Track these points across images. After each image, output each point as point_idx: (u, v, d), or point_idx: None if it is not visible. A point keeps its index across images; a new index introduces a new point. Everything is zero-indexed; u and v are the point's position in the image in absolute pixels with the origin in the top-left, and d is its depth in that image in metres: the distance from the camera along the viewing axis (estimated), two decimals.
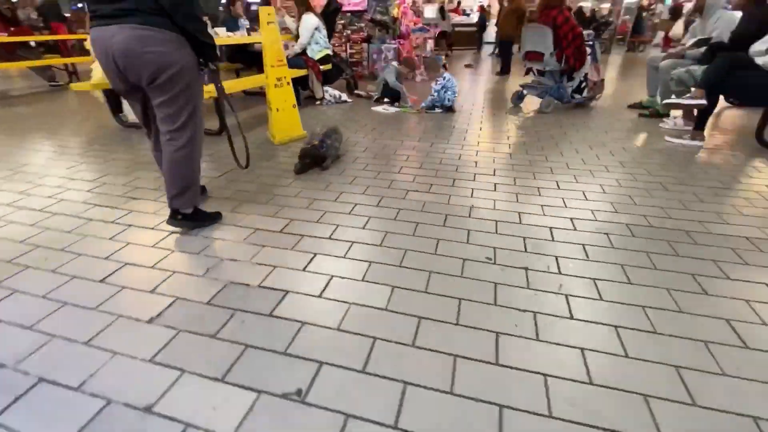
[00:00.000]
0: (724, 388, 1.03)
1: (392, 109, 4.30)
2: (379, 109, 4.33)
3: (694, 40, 3.58)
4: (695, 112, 3.19)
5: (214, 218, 1.89)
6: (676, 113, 3.61)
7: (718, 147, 3.06)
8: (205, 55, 1.61)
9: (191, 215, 1.79)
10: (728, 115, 4.23)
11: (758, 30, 2.91)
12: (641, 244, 1.72)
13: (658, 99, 3.80)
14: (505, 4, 7.83)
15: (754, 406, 0.98)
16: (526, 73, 4.50)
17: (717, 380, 1.05)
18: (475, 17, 13.76)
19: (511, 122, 3.88)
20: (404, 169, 2.60)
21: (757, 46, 2.84)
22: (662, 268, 1.55)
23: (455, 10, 14.28)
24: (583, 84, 4.15)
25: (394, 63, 4.71)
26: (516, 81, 6.26)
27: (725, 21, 3.42)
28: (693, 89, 3.03)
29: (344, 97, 4.74)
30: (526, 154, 2.92)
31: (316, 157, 2.46)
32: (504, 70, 7.33)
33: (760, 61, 2.79)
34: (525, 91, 4.42)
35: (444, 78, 4.13)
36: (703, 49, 3.38)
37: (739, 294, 1.41)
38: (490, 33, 12.39)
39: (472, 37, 12.95)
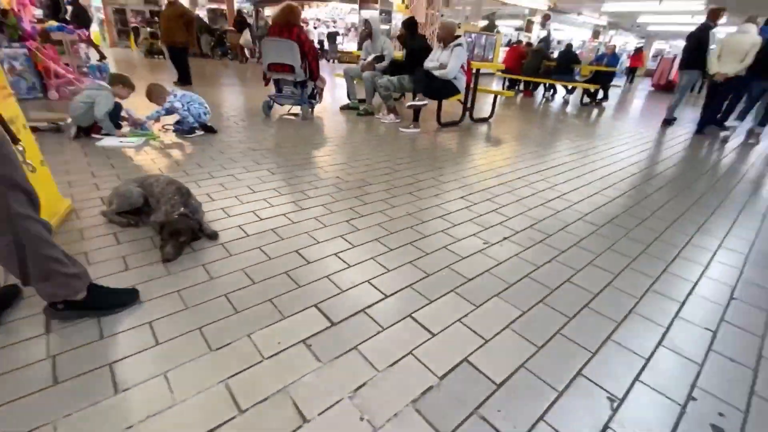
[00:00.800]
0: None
1: (131, 141, 3.12)
2: (113, 143, 3.06)
3: (372, 56, 5.06)
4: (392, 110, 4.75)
5: (124, 301, 1.30)
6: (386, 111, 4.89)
7: (428, 131, 4.43)
8: None
9: (82, 302, 1.21)
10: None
11: (420, 53, 4.53)
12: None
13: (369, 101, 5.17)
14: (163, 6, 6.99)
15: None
16: (266, 84, 4.69)
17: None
18: None
19: (297, 131, 3.69)
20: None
21: (428, 64, 4.33)
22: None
23: None
24: (315, 91, 4.68)
25: (101, 82, 3.28)
26: (209, 90, 6.04)
27: (389, 45, 5.11)
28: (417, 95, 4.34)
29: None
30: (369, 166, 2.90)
31: (193, 230, 1.68)
32: (185, 80, 6.46)
33: (436, 73, 4.23)
34: (273, 102, 4.61)
35: (175, 95, 3.45)
36: (385, 63, 4.97)
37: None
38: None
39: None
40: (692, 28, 5.61)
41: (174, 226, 1.60)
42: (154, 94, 3.45)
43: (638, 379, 1.15)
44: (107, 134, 3.19)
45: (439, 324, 1.33)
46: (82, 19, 9.66)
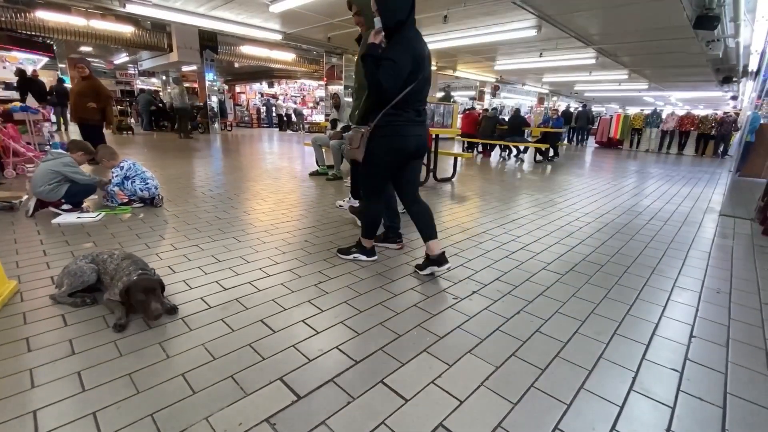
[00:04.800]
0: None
1: (91, 216, 3.01)
2: (69, 220, 2.91)
3: (342, 125, 5.35)
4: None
5: None
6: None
7: None
8: None
9: None
10: None
11: None
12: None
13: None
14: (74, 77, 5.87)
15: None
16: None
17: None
18: None
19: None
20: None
21: None
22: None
23: None
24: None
25: (59, 151, 3.20)
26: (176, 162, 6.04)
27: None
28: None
29: None
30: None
31: (162, 285, 1.67)
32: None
33: None
34: None
35: (122, 166, 3.37)
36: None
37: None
38: None
39: None
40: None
41: (144, 285, 1.55)
42: (101, 155, 3.41)
43: (615, 429, 1.13)
44: (68, 210, 3.09)
45: (412, 388, 1.28)
46: (64, 100, 10.20)
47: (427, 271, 2.18)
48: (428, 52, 1.95)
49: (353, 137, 2.07)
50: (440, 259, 2.15)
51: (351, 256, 2.38)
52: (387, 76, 1.78)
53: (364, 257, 2.37)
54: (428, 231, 2.17)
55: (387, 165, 2.05)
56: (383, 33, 1.86)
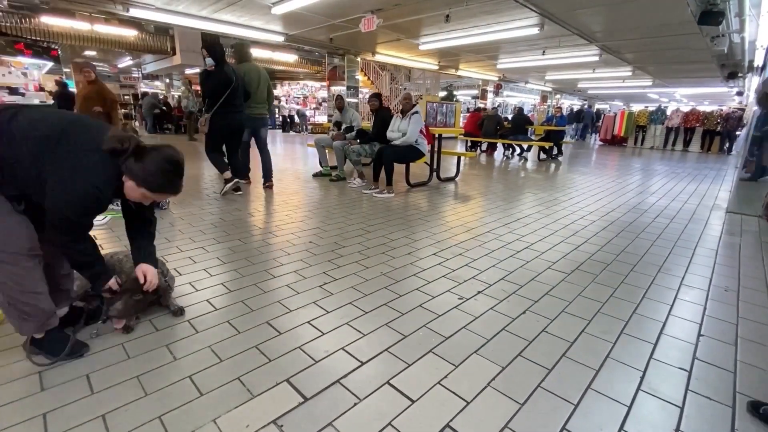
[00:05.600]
0: None
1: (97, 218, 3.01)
2: None
3: (345, 126, 5.51)
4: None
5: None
6: (356, 175, 5.02)
7: (398, 193, 4.58)
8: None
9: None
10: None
11: (382, 125, 4.89)
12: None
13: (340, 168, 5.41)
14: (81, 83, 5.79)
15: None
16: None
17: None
18: None
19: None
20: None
21: (390, 134, 4.73)
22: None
23: None
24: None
25: None
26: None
27: (357, 115, 5.59)
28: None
29: None
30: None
31: (128, 289, 1.53)
32: None
33: (398, 142, 4.55)
34: None
35: None
36: (353, 132, 5.31)
37: None
38: None
39: None
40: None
41: (127, 285, 1.53)
42: None
43: (623, 429, 1.13)
44: None
45: (418, 389, 1.28)
46: (69, 104, 10.46)
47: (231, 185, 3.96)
48: (238, 75, 3.84)
49: (202, 120, 3.88)
50: (237, 188, 4.08)
51: (225, 189, 3.96)
52: (213, 86, 3.71)
53: (230, 185, 3.94)
54: (238, 174, 4.07)
55: (219, 134, 3.90)
56: (214, 66, 3.66)
